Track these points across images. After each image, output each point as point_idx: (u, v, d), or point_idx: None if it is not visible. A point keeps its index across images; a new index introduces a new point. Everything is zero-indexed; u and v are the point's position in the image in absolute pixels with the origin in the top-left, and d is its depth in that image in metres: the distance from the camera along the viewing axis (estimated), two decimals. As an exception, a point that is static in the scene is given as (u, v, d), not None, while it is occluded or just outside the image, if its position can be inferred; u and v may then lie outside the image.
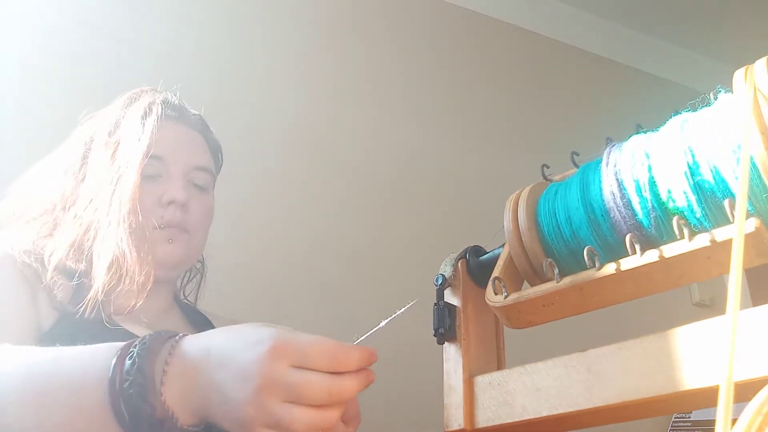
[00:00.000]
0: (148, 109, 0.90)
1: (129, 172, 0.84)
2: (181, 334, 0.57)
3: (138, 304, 0.80)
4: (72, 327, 0.77)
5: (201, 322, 0.98)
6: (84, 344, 0.72)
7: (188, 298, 1.04)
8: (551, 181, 0.73)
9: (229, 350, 0.53)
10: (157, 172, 0.89)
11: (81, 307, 0.77)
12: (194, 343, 0.56)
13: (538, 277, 0.66)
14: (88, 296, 0.78)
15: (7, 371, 0.59)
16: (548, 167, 0.73)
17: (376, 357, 0.55)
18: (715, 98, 0.59)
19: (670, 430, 1.79)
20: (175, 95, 0.97)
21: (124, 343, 0.57)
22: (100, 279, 0.79)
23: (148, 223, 0.84)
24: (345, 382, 0.52)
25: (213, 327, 0.98)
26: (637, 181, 0.58)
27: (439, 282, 0.74)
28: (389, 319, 0.63)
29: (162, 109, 0.91)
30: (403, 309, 0.66)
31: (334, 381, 0.51)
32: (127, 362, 0.54)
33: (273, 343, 0.51)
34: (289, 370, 0.50)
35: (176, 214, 0.88)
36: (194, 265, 1.03)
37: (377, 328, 0.62)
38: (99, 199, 0.84)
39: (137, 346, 0.55)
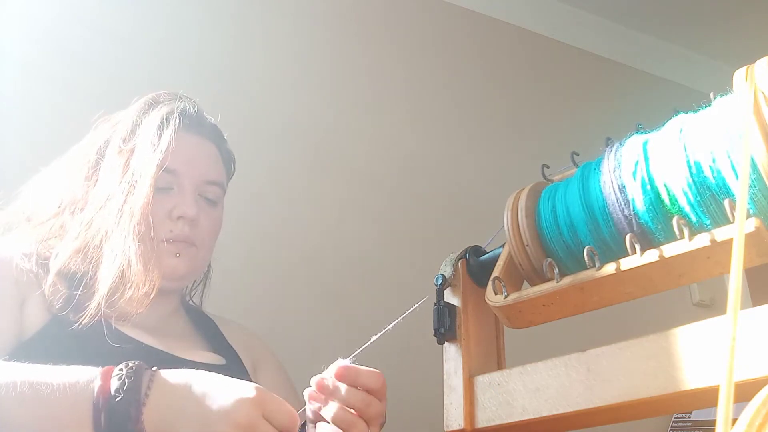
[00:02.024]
0: (165, 120, 0.88)
1: (142, 183, 0.83)
2: (155, 368, 0.65)
3: (138, 313, 0.80)
4: (62, 331, 0.77)
5: (206, 326, 0.97)
6: (76, 348, 0.73)
7: (194, 300, 1.04)
8: (551, 181, 0.73)
9: (214, 389, 0.62)
10: (169, 185, 0.88)
11: (81, 316, 0.77)
12: (173, 376, 0.64)
13: (538, 276, 0.66)
14: (91, 305, 0.77)
15: None
16: (548, 167, 0.74)
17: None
18: (715, 99, 0.59)
19: (670, 430, 1.79)
20: (194, 103, 0.95)
21: (102, 369, 0.63)
22: (103, 289, 0.78)
23: (157, 235, 0.83)
24: None
25: (218, 330, 0.98)
26: (637, 181, 0.58)
27: (439, 282, 0.74)
28: (384, 331, 0.71)
29: (180, 120, 0.89)
30: (397, 320, 0.71)
31: None
32: (113, 391, 0.61)
33: (256, 393, 0.62)
34: (261, 420, 0.61)
35: (185, 230, 0.88)
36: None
37: (370, 342, 0.70)
38: (109, 207, 0.83)
39: (122, 378, 0.62)
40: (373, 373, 0.69)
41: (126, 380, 0.62)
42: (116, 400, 0.60)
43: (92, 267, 0.81)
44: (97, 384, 0.62)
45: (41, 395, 0.61)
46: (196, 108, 0.95)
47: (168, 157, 0.85)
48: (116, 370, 0.63)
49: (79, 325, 0.76)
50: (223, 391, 0.62)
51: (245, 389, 0.62)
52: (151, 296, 0.80)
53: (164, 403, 0.62)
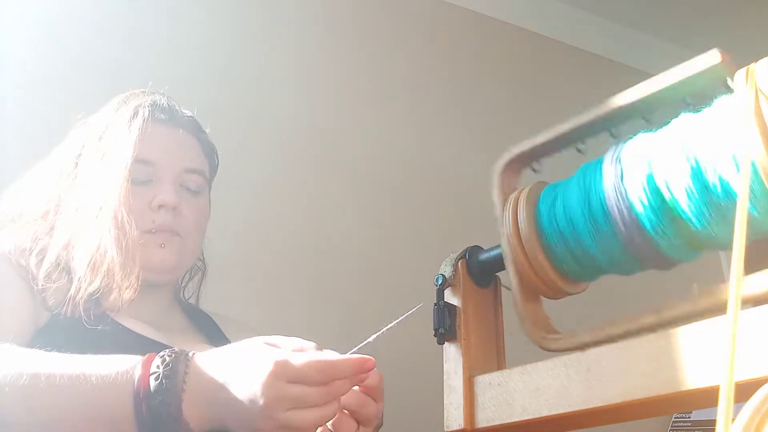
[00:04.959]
0: (134, 113, 0.89)
1: (116, 176, 0.84)
2: (191, 353, 0.64)
3: (125, 301, 0.80)
4: (64, 329, 0.78)
5: (203, 321, 0.98)
6: (79, 343, 0.73)
7: (189, 300, 1.04)
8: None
9: (237, 371, 0.61)
10: (147, 176, 0.88)
11: (63, 306, 0.78)
12: (205, 362, 0.63)
13: (536, 275, 0.66)
14: (69, 294, 0.78)
15: (19, 372, 0.62)
16: (548, 167, 0.74)
17: (369, 364, 0.64)
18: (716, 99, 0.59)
19: (670, 430, 1.79)
20: (164, 96, 0.96)
21: (142, 358, 0.63)
22: (80, 277, 0.80)
23: (137, 227, 0.84)
24: (335, 386, 0.61)
25: (216, 326, 0.98)
26: (637, 181, 0.58)
27: (439, 282, 0.74)
28: (384, 329, 0.71)
29: (150, 111, 0.90)
30: (399, 319, 0.71)
31: (326, 387, 0.61)
32: (153, 381, 0.61)
33: (273, 366, 0.59)
34: (287, 385, 0.59)
35: (167, 218, 0.88)
36: (194, 264, 1.02)
37: (367, 341, 0.70)
38: (87, 204, 0.85)
39: (161, 366, 0.61)
40: (374, 372, 0.68)
41: (164, 380, 0.61)
42: (156, 401, 0.60)
43: (77, 263, 0.82)
44: (137, 374, 0.61)
45: (81, 387, 0.61)
46: (166, 100, 0.95)
47: (139, 147, 0.86)
48: (153, 367, 0.62)
49: (68, 317, 0.77)
50: (245, 374, 0.60)
51: (262, 368, 0.59)
52: (135, 287, 0.80)
53: (198, 396, 0.61)
